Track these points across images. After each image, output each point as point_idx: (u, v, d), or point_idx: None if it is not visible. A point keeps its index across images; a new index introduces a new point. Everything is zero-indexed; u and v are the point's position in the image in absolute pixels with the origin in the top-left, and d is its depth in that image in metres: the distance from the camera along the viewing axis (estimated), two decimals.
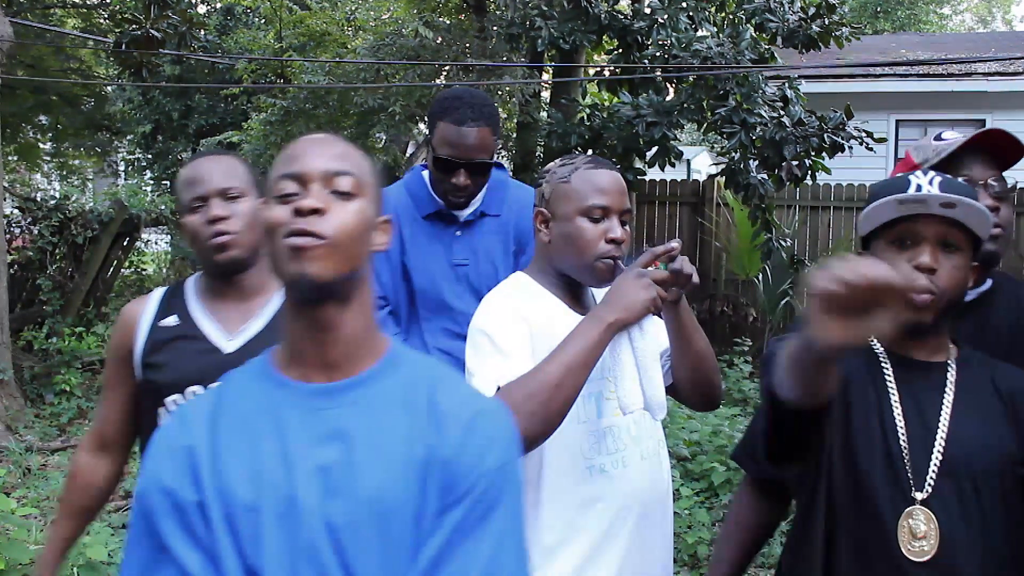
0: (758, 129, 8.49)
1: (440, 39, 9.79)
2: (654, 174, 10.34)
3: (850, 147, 8.62)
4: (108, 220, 9.35)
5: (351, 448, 1.43)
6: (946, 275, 1.77)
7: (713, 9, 10.23)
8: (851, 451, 1.78)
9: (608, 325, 1.97)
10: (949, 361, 1.88)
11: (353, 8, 14.87)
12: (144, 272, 11.94)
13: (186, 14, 9.06)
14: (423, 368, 1.56)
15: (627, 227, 2.20)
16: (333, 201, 1.46)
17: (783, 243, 9.89)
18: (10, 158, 18.38)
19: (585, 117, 9.84)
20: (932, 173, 1.82)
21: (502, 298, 2.21)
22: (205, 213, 2.19)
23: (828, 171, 8.93)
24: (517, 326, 2.09)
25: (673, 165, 9.43)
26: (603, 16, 9.69)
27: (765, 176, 8.91)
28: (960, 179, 2.03)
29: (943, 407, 1.81)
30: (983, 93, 11.99)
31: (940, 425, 1.79)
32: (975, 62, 11.60)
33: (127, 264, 10.95)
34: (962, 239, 1.80)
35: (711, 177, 10.94)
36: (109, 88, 16.57)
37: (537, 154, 10.93)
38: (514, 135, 11.66)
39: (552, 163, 2.30)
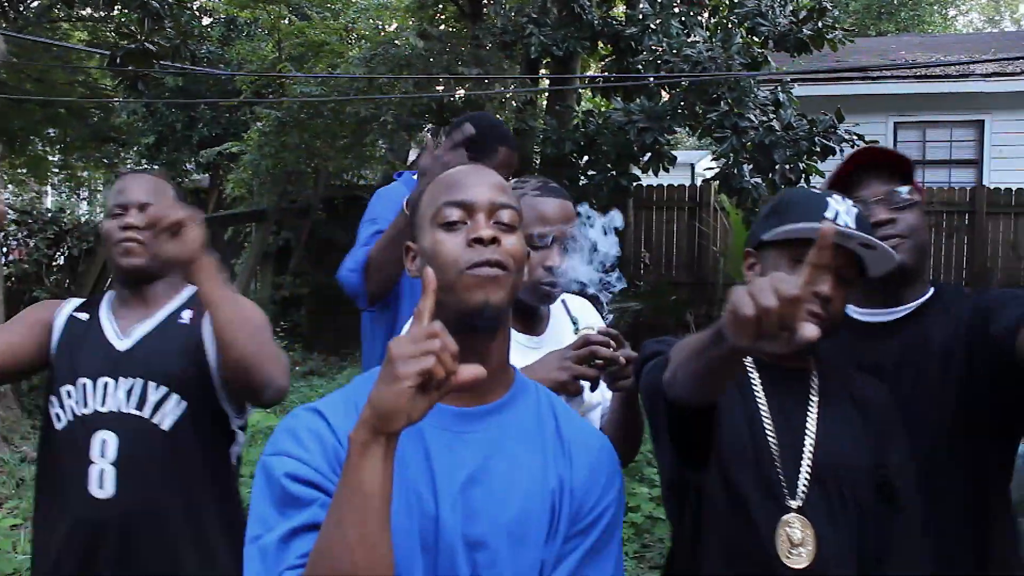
0: (750, 133, 8.51)
1: (432, 48, 9.83)
2: (660, 178, 10.31)
3: (841, 150, 8.61)
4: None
5: (491, 473, 1.47)
6: (837, 305, 1.80)
7: (706, 14, 10.25)
8: (722, 460, 1.78)
9: None
10: (811, 368, 1.90)
11: (354, 18, 14.95)
12: None
13: (180, 26, 9.13)
14: (544, 398, 1.62)
15: (567, 250, 2.21)
16: (501, 232, 1.49)
17: None
18: (20, 171, 18.55)
19: (580, 123, 9.88)
20: (849, 202, 1.84)
21: None
22: (121, 220, 2.36)
23: (822, 174, 8.90)
24: None
25: (667, 170, 9.44)
26: (596, 22, 9.74)
27: (759, 180, 8.90)
28: (856, 199, 2.03)
29: (809, 414, 1.83)
30: (981, 94, 11.94)
31: (808, 432, 1.81)
32: (971, 63, 11.54)
33: None
34: (855, 275, 1.84)
35: (706, 181, 10.94)
36: (122, 97, 16.66)
37: (534, 161, 10.97)
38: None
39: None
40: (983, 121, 12.27)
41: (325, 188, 11.42)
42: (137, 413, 2.29)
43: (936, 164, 12.54)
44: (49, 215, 9.46)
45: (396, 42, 10.51)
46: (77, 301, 2.51)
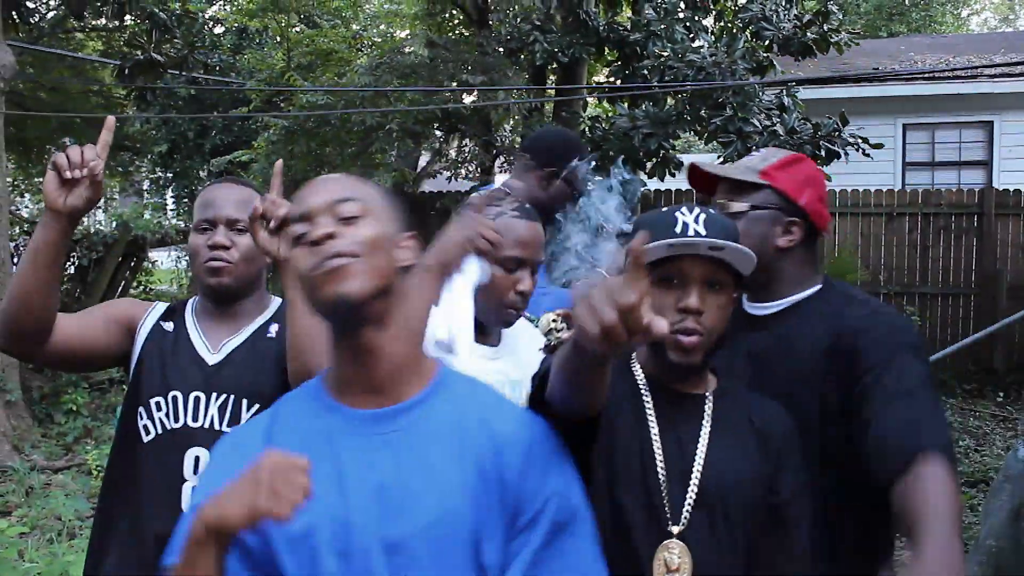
0: (754, 138, 8.50)
1: (438, 56, 9.87)
2: (670, 183, 10.26)
3: (846, 153, 8.60)
4: (112, 242, 9.53)
5: (405, 473, 1.47)
6: (712, 315, 1.79)
7: (712, 19, 10.26)
8: (612, 483, 1.79)
9: (427, 269, 1.96)
10: (707, 393, 1.89)
11: (364, 25, 15.01)
12: (153, 291, 12.10)
13: (188, 37, 9.22)
14: (474, 393, 1.60)
15: (535, 276, 2.25)
16: (342, 226, 1.49)
17: None
18: (37, 180, 18.74)
19: (587, 129, 9.90)
20: (698, 209, 1.83)
21: None
22: (209, 237, 2.29)
23: (828, 178, 8.87)
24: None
25: (673, 175, 9.44)
26: (602, 28, 9.76)
27: None
28: None
29: (700, 439, 1.82)
30: (990, 95, 11.90)
31: (697, 457, 1.80)
32: (977, 68, 11.51)
33: (135, 284, 11.13)
34: (727, 277, 1.82)
35: None
36: (133, 108, 16.81)
37: None
38: (517, 148, 11.74)
39: (477, 197, 2.30)
40: (992, 122, 12.23)
41: None
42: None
43: (946, 166, 12.50)
44: None
45: (405, 49, 10.57)
46: (161, 307, 2.45)
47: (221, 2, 17.18)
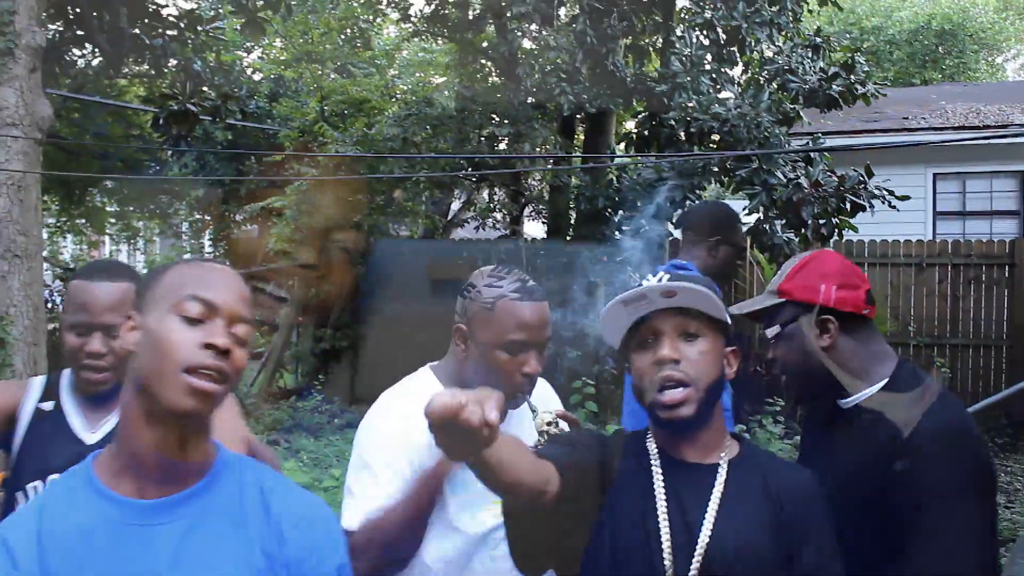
0: (779, 190, 8.49)
1: (465, 108, 9.98)
2: None
3: (872, 206, 8.57)
4: None
5: (191, 562, 1.47)
6: (693, 363, 1.79)
7: (738, 70, 10.30)
8: (617, 560, 1.78)
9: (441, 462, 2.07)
10: (720, 462, 1.86)
11: (399, 72, 15.22)
12: None
13: (220, 89, 9.42)
14: (253, 475, 1.60)
15: (545, 353, 2.22)
16: (232, 344, 1.49)
17: None
18: (78, 221, 19.13)
19: (614, 179, 9.95)
20: (661, 272, 1.86)
21: (396, 414, 2.26)
22: (85, 342, 2.27)
23: (855, 229, 8.87)
24: (398, 460, 2.15)
25: None
26: (629, 79, 9.82)
27: (792, 235, 8.87)
28: None
29: (707, 512, 1.78)
30: (1022, 144, 11.82)
31: (703, 531, 1.76)
32: (983, 134, 11.43)
33: None
34: (701, 325, 1.83)
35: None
36: (169, 153, 17.11)
37: (569, 217, 11.05)
38: (546, 198, 11.81)
39: (480, 274, 2.27)
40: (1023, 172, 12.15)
41: (365, 242, 11.60)
42: None
43: (977, 215, 12.42)
44: None
45: (434, 100, 10.70)
46: (39, 385, 2.41)
47: (259, 51, 17.51)
